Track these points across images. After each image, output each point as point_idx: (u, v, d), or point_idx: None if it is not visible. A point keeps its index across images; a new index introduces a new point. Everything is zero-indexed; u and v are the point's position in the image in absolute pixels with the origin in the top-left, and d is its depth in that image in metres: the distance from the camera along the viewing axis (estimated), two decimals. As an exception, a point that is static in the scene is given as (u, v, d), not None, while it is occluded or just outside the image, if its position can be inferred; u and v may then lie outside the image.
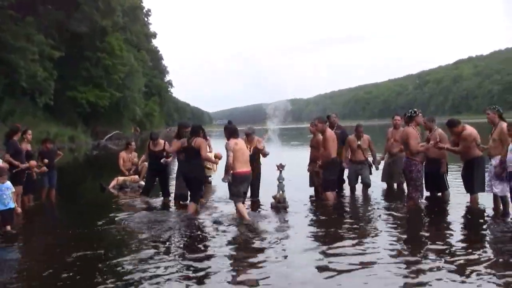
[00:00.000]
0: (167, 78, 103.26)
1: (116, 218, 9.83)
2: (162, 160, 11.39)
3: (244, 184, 9.27)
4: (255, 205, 10.75)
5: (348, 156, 12.00)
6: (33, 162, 11.23)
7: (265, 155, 11.09)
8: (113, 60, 52.32)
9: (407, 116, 9.96)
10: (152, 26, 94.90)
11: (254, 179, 11.22)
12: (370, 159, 12.25)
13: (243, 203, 9.42)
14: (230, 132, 9.47)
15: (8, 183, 9.05)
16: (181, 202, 11.04)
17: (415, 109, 10.07)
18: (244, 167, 9.23)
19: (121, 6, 53.61)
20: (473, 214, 9.36)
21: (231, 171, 9.14)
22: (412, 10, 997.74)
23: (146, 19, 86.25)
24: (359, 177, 12.01)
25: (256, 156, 11.06)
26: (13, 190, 9.14)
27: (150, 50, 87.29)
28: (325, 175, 10.73)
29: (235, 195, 9.24)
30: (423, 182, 9.91)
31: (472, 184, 9.63)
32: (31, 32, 36.46)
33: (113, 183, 14.35)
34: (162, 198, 11.79)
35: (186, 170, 10.02)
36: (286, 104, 12.64)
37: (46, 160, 11.77)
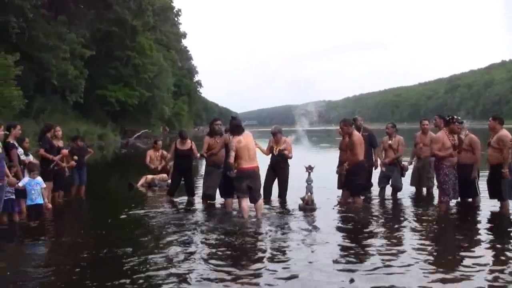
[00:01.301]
0: (196, 78, 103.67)
1: (143, 217, 9.88)
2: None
3: (247, 180, 9.15)
4: (282, 205, 10.70)
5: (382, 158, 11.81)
6: (64, 151, 11.42)
7: (288, 157, 11.01)
8: (143, 60, 52.70)
9: (445, 120, 9.78)
10: (182, 26, 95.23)
11: (282, 180, 11.19)
12: (404, 162, 12.03)
13: (262, 199, 9.56)
14: (233, 128, 9.39)
15: (39, 178, 9.22)
16: (208, 201, 11.02)
17: (454, 116, 9.75)
18: (248, 164, 9.15)
19: (151, 6, 53.95)
20: (504, 221, 9.17)
21: (237, 167, 9.17)
22: (444, 14, 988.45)
23: (176, 19, 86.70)
24: (390, 179, 11.70)
25: (284, 157, 10.99)
26: (44, 186, 9.27)
27: (179, 50, 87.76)
28: (353, 179, 10.41)
29: (237, 190, 9.29)
30: (454, 186, 9.66)
31: (501, 190, 9.50)
32: (63, 31, 36.86)
33: (142, 181, 14.44)
34: (187, 197, 11.80)
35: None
36: (319, 106, 12.51)
37: (75, 157, 11.88)
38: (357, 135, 10.49)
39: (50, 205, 9.87)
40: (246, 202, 9.22)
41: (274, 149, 10.99)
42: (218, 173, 10.56)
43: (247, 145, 9.20)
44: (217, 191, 10.87)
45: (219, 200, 10.84)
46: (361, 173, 10.55)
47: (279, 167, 11.05)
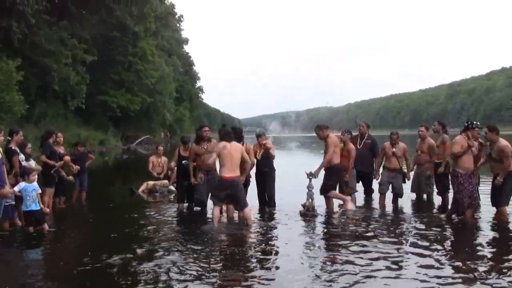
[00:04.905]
0: (198, 84, 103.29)
1: (143, 223, 9.89)
2: (183, 162, 11.28)
3: (227, 190, 9.09)
4: (281, 212, 10.62)
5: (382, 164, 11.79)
6: (67, 157, 11.43)
7: (271, 154, 10.99)
8: (145, 65, 52.72)
9: (464, 126, 9.66)
10: (184, 32, 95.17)
11: (268, 185, 11.15)
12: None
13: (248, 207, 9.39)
14: (224, 133, 9.43)
15: (35, 184, 9.04)
16: (201, 208, 10.96)
17: (473, 122, 9.72)
18: (229, 173, 9.09)
19: (153, 11, 53.99)
20: (502, 227, 9.13)
21: (219, 174, 9.20)
22: (445, 20, 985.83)
23: (178, 25, 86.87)
24: (391, 186, 11.62)
25: (268, 160, 11.02)
26: (39, 191, 9.15)
27: (181, 56, 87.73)
28: (325, 180, 10.58)
29: (215, 197, 9.27)
30: (472, 194, 9.44)
31: (500, 196, 9.55)
32: (65, 36, 36.90)
33: (143, 187, 14.43)
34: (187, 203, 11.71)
35: None
36: (319, 112, 12.57)
37: (77, 167, 11.87)
38: (333, 138, 10.63)
39: (47, 210, 9.83)
40: (218, 210, 9.21)
41: (258, 153, 10.93)
42: (208, 179, 10.59)
43: (231, 153, 9.14)
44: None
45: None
46: (334, 176, 10.65)
47: (264, 171, 11.04)
